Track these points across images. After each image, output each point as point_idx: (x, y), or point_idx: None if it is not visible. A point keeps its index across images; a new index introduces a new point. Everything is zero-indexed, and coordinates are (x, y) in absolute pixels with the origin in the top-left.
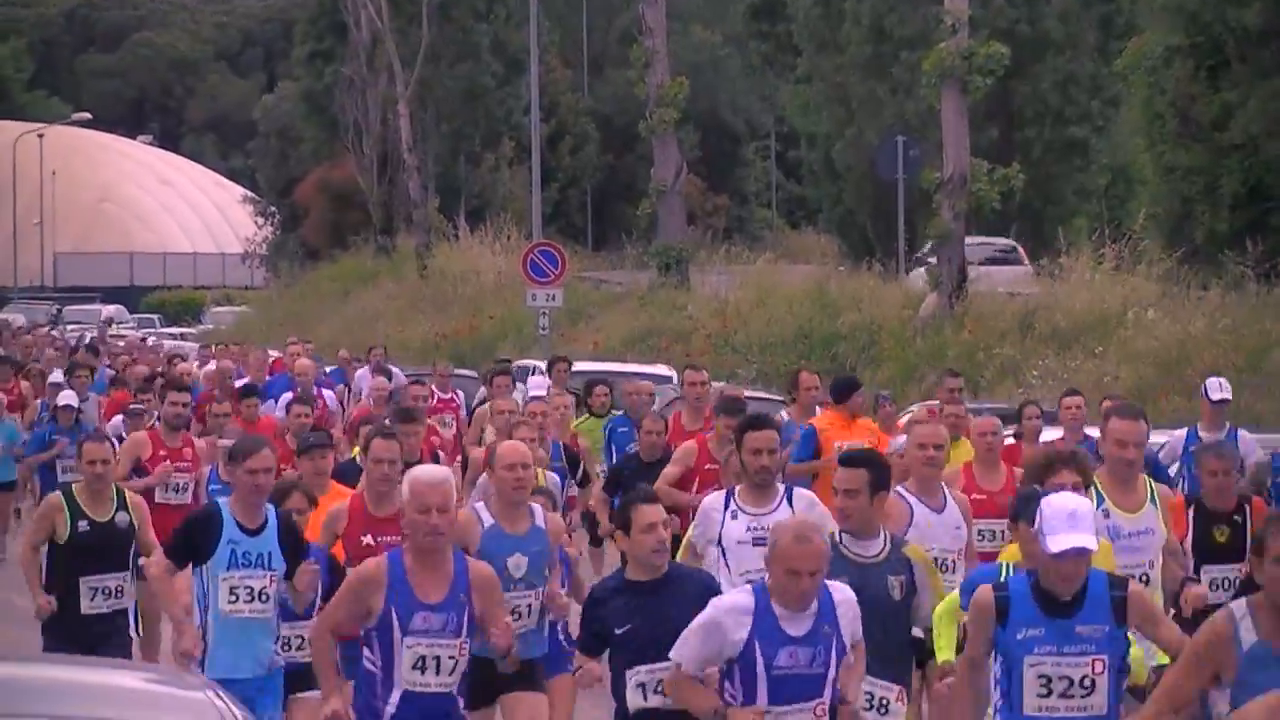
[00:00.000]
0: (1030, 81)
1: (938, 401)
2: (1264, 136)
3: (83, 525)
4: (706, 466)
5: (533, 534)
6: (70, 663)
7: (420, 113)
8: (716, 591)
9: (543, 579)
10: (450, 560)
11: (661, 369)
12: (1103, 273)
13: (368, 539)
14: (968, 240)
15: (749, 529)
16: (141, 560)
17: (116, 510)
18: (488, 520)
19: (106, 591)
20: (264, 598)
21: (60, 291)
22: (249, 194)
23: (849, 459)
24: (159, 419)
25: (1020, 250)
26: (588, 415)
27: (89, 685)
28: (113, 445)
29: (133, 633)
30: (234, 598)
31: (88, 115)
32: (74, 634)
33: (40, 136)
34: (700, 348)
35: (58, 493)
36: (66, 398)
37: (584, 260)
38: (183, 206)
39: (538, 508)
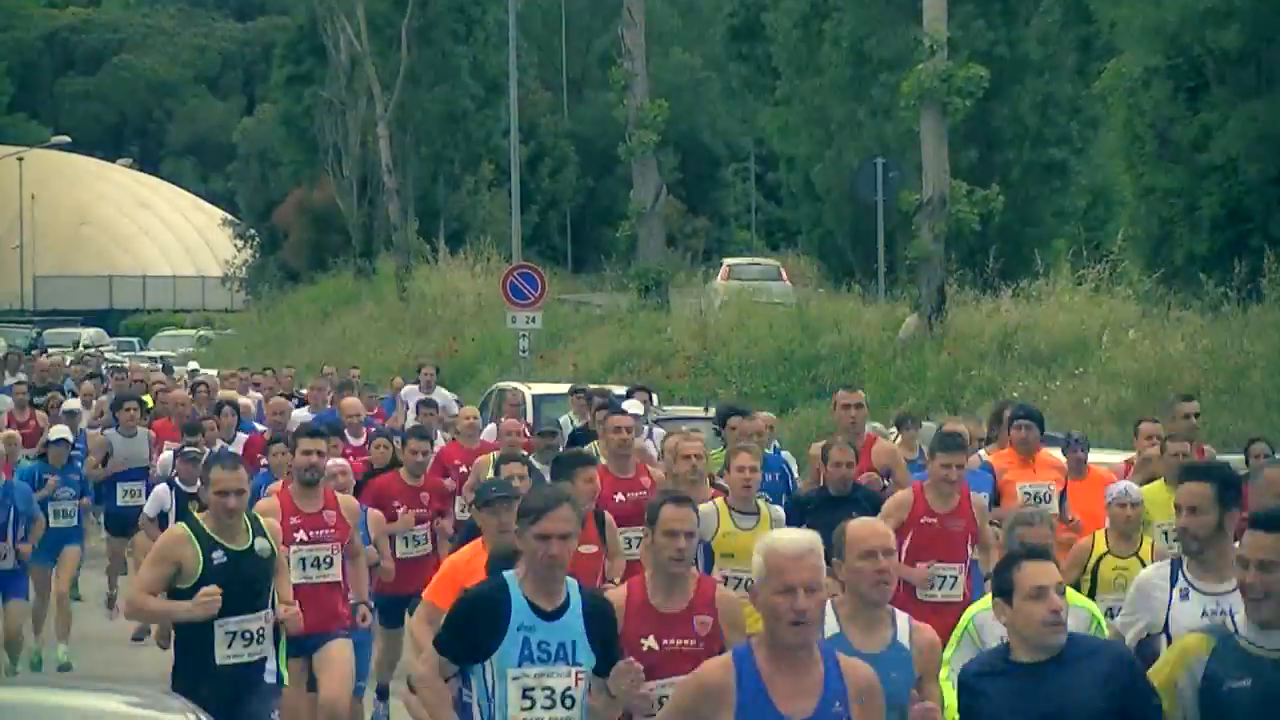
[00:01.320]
0: (1009, 103)
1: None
2: (1243, 158)
3: (218, 556)
4: (923, 520)
5: (893, 652)
6: (52, 685)
7: (400, 135)
8: (1133, 668)
9: (903, 716)
10: (818, 656)
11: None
12: (1082, 294)
13: (650, 642)
14: (738, 260)
15: (1207, 612)
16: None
17: (255, 536)
18: (831, 629)
19: (247, 636)
20: (568, 702)
21: (39, 314)
22: (228, 216)
23: (1271, 520)
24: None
25: (783, 270)
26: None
27: (71, 709)
28: (247, 471)
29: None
30: (529, 702)
31: (67, 138)
32: (207, 691)
33: (20, 160)
34: (680, 369)
35: (180, 523)
36: (59, 431)
37: (564, 282)
38: (162, 229)
39: (900, 614)
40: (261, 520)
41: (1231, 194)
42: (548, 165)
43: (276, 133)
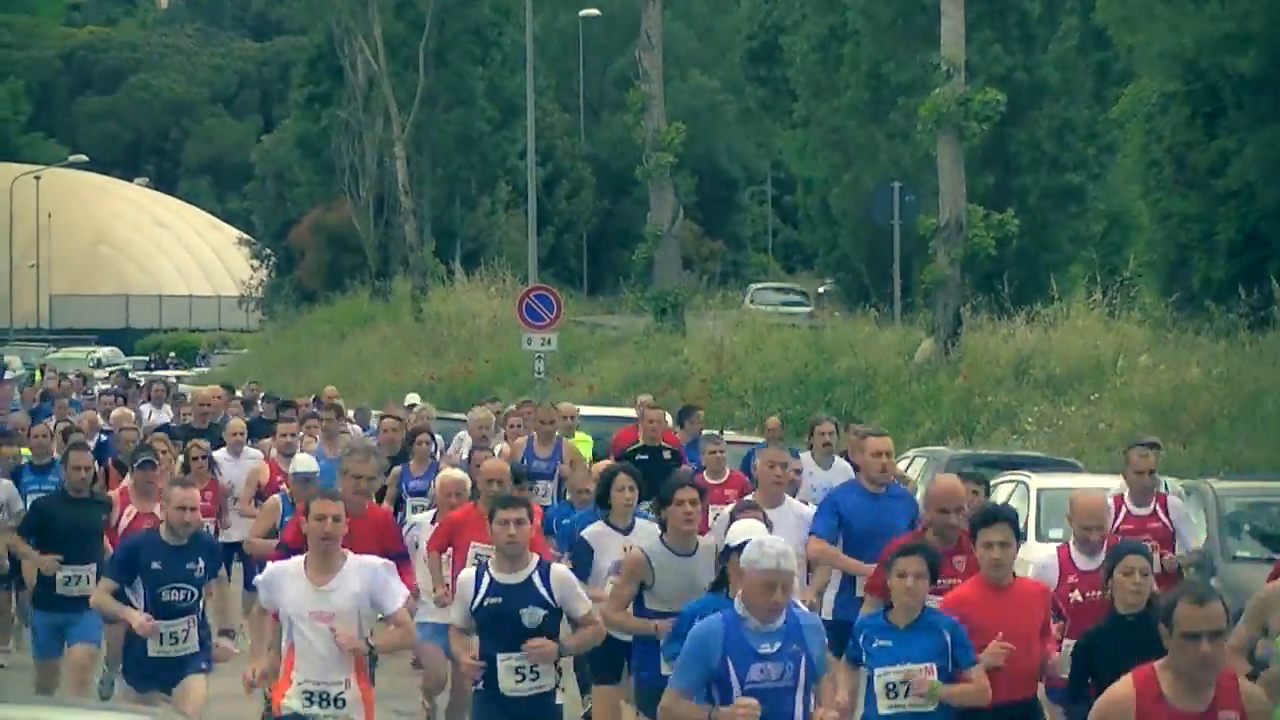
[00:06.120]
0: (1026, 128)
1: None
2: (1260, 183)
3: None
4: None
5: None
6: (82, 708)
7: (416, 156)
8: None
9: None
10: None
11: None
12: (1097, 319)
13: None
14: None
15: None
16: None
17: None
18: None
19: None
20: None
21: (55, 333)
22: (245, 236)
23: None
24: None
25: None
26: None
27: None
28: None
29: None
30: None
31: (84, 157)
32: None
33: (37, 178)
34: (696, 392)
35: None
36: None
37: (580, 304)
38: (178, 249)
39: None
40: None
41: (1248, 220)
42: (564, 187)
43: (293, 153)
